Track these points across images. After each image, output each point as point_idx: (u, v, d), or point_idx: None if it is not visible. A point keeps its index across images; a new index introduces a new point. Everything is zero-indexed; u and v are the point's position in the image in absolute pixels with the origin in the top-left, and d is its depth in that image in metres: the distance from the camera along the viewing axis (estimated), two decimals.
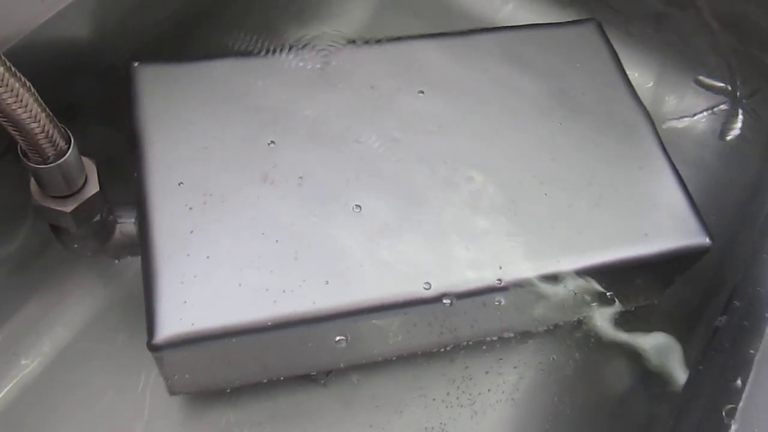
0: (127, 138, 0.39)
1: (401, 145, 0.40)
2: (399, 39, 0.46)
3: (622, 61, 0.46)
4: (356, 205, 0.37)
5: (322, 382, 0.43)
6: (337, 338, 0.38)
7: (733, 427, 0.30)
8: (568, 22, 0.49)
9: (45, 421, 0.40)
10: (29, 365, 0.42)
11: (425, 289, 0.36)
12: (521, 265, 0.37)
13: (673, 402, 0.40)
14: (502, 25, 0.49)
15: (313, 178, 0.38)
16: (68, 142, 0.31)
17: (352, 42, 0.45)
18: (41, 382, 0.41)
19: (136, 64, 0.41)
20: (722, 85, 0.56)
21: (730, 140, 0.55)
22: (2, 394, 0.41)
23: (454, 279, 0.36)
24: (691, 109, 0.56)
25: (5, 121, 0.28)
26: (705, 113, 0.55)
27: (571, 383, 0.44)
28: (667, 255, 0.38)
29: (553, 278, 0.37)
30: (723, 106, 0.56)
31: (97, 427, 0.40)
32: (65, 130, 0.31)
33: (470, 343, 0.43)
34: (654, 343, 0.41)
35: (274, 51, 0.44)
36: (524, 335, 0.45)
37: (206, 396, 0.42)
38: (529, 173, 0.40)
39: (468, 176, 0.39)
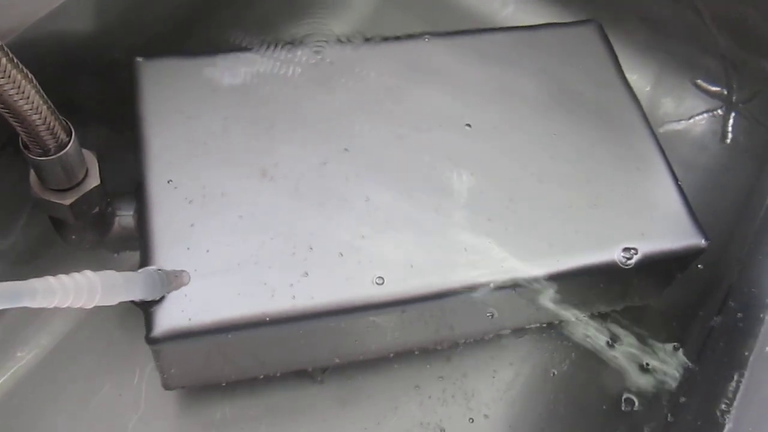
0: (128, 131, 0.39)
1: (400, 142, 0.40)
2: (400, 38, 0.46)
3: (621, 63, 0.47)
4: (355, 202, 0.38)
5: (319, 378, 0.43)
6: (334, 335, 0.38)
7: (728, 427, 0.30)
8: (569, 23, 0.49)
9: (40, 414, 0.40)
10: (25, 357, 0.42)
11: (422, 286, 0.36)
12: (519, 264, 0.37)
13: (667, 401, 0.40)
14: (502, 25, 0.49)
15: (312, 174, 0.38)
16: (69, 135, 0.31)
17: (353, 40, 0.45)
18: (37, 375, 0.41)
19: (139, 59, 0.41)
20: (719, 89, 0.56)
21: (727, 143, 0.55)
22: None
23: (452, 277, 0.36)
24: (689, 112, 0.56)
25: (6, 113, 0.28)
26: (702, 116, 0.56)
27: (567, 382, 0.44)
28: (663, 255, 0.39)
29: (550, 277, 0.37)
30: (719, 111, 0.56)
31: (92, 420, 0.40)
32: (66, 122, 0.31)
33: (467, 340, 0.43)
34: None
35: (275, 47, 0.44)
36: (520, 333, 0.45)
37: (202, 390, 0.42)
38: (527, 173, 0.40)
39: (467, 175, 0.39)
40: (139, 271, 0.33)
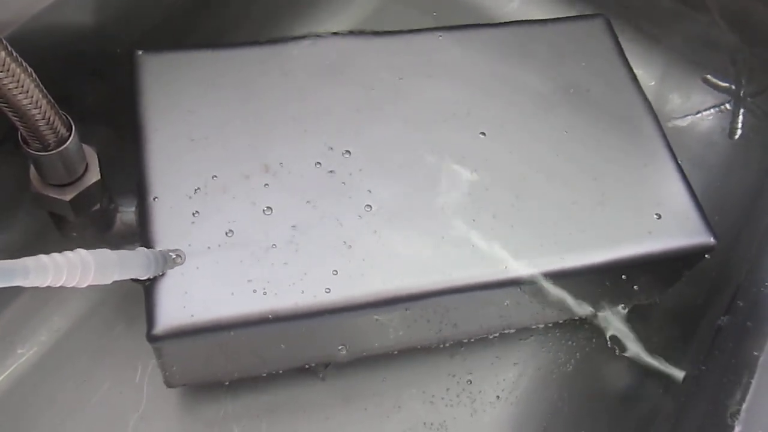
0: (128, 126, 0.39)
1: (404, 138, 0.40)
2: (404, 32, 0.45)
3: (628, 57, 0.46)
4: (359, 199, 0.37)
5: (321, 375, 0.42)
6: (337, 332, 0.37)
7: (737, 429, 0.30)
8: (576, 17, 0.49)
9: (40, 411, 0.40)
10: (25, 354, 0.42)
11: (427, 284, 0.35)
12: (524, 262, 0.36)
13: (673, 401, 0.40)
14: (507, 19, 0.49)
15: (316, 169, 0.38)
16: (69, 130, 0.31)
17: (357, 34, 0.44)
18: (37, 372, 0.41)
19: (139, 52, 0.41)
20: (727, 84, 0.56)
21: (735, 139, 0.54)
22: None
23: (456, 275, 0.36)
24: (695, 108, 0.56)
25: (6, 107, 0.28)
26: (709, 111, 0.55)
27: (571, 381, 0.43)
28: (670, 253, 0.38)
29: (556, 276, 0.37)
30: (727, 105, 0.55)
31: (93, 418, 0.40)
32: (66, 117, 0.31)
33: (471, 339, 0.43)
34: None
35: (277, 41, 0.43)
36: (525, 332, 0.44)
37: (204, 388, 0.41)
38: (533, 169, 0.40)
39: (472, 171, 0.39)
40: (134, 250, 0.32)
